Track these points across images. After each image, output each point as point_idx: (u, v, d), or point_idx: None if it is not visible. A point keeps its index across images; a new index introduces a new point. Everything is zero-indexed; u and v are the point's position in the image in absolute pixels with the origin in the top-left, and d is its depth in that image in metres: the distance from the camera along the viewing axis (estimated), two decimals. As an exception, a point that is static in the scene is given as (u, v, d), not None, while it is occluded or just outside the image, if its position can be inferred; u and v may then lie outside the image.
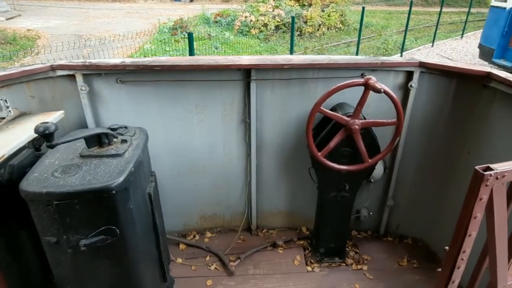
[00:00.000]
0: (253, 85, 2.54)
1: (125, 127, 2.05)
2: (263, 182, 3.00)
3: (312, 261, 2.88)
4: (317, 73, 2.54)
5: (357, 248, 3.03)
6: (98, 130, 1.82)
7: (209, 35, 12.29)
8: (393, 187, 2.94)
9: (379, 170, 2.75)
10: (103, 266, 1.74)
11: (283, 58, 2.55)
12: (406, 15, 11.60)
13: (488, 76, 2.21)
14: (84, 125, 2.47)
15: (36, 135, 1.61)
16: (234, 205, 3.09)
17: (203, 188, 2.96)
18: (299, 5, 14.54)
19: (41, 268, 2.00)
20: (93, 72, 2.35)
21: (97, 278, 1.78)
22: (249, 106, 2.63)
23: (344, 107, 2.46)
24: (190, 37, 5.33)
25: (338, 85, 2.16)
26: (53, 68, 2.29)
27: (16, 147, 1.79)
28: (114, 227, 1.64)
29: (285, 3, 14.01)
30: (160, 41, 11.70)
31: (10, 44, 11.39)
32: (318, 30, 13.87)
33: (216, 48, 11.01)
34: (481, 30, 9.77)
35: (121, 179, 1.60)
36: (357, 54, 10.35)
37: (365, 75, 2.53)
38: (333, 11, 14.53)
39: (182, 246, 3.01)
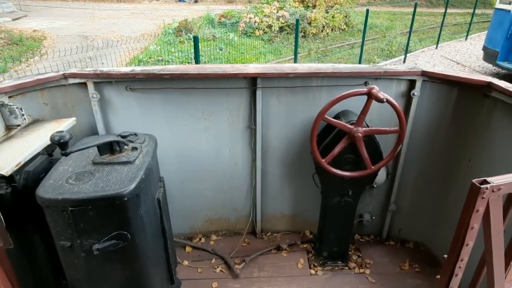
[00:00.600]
0: (259, 93, 2.60)
1: (135, 134, 2.11)
2: (268, 186, 3.05)
3: (316, 264, 2.93)
4: (321, 81, 2.59)
5: (359, 252, 3.08)
6: (110, 138, 1.88)
7: (213, 36, 12.34)
8: (396, 192, 2.98)
9: (381, 175, 2.80)
10: (115, 269, 1.81)
11: (288, 66, 2.61)
12: (411, 16, 11.53)
13: (489, 85, 2.25)
14: (95, 132, 2.54)
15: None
16: (239, 208, 3.15)
17: (209, 192, 3.02)
18: (304, 7, 14.56)
19: (53, 271, 2.07)
20: (104, 80, 2.42)
21: (108, 281, 1.85)
22: (255, 113, 2.69)
23: (347, 115, 2.50)
24: (196, 40, 5.33)
25: (342, 94, 2.21)
26: (66, 76, 2.36)
27: (31, 154, 1.86)
28: (125, 232, 1.70)
29: (290, 4, 14.03)
30: (165, 41, 11.78)
31: (17, 44, 11.49)
32: (322, 31, 13.89)
33: (220, 50, 11.07)
34: (486, 32, 9.75)
35: (133, 186, 1.66)
36: (361, 56, 10.35)
37: (368, 83, 2.58)
38: (337, 12, 14.55)
39: (188, 249, 3.07)
